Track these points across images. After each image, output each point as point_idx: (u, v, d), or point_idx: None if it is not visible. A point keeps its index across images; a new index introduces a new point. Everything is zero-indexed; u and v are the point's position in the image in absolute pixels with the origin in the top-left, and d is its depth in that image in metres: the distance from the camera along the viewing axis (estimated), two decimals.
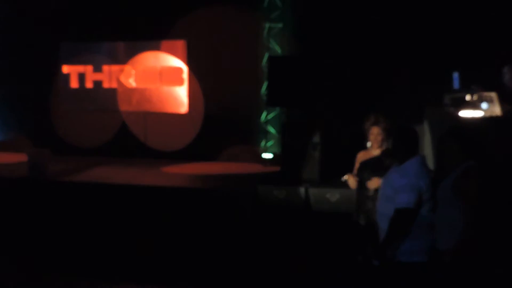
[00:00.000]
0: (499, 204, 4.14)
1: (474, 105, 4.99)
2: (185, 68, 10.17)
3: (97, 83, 10.68)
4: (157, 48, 10.31)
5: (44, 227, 7.43)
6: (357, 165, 4.92)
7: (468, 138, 3.95)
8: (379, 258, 3.91)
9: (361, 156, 4.97)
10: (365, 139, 4.89)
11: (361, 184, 4.67)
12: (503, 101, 5.05)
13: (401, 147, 3.98)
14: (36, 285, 6.07)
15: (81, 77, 10.75)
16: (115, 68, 10.54)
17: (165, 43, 10.25)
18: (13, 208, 7.64)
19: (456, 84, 5.80)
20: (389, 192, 3.93)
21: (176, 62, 10.21)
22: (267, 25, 9.51)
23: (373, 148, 4.79)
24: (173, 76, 10.22)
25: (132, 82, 10.47)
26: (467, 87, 5.26)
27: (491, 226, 3.91)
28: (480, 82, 5.21)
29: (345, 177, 4.78)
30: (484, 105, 4.98)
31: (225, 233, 6.85)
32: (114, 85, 10.57)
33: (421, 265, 3.85)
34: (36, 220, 7.47)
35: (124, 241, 7.06)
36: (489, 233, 3.86)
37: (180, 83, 10.20)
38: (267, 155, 9.47)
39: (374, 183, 4.46)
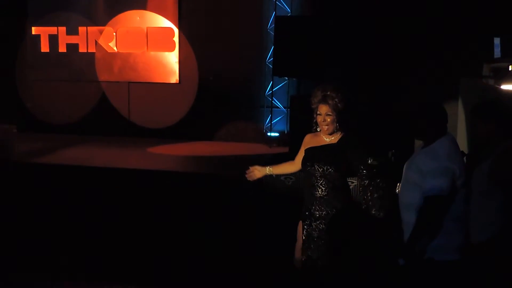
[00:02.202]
0: None
1: None
2: (176, 30, 10.16)
3: (72, 47, 10.68)
4: (143, 6, 10.29)
5: (9, 215, 7.51)
6: (302, 150, 4.53)
7: (510, 114, 3.95)
8: (406, 256, 3.93)
9: (308, 140, 4.51)
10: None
11: (307, 180, 4.41)
12: None
13: (427, 125, 3.99)
14: None
15: (53, 40, 10.75)
16: (93, 29, 10.54)
17: (152, 0, 10.22)
18: None
19: (497, 52, 5.78)
20: (415, 178, 3.93)
21: (165, 23, 10.19)
22: None
23: (323, 133, 4.36)
24: (162, 39, 10.22)
25: (113, 47, 10.47)
26: (510, 55, 5.25)
27: None
28: None
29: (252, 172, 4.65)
30: None
31: (223, 225, 6.93)
32: (92, 49, 10.58)
33: (454, 264, 3.88)
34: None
35: (106, 234, 7.16)
36: None
37: (170, 48, 10.20)
38: (273, 134, 9.51)
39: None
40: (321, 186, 4.33)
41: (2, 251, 6.84)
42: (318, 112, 4.28)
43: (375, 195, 4.25)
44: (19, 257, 6.59)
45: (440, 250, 3.87)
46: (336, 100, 4.21)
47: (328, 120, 4.24)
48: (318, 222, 4.35)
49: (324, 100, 4.23)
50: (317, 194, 4.35)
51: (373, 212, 4.25)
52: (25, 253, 6.66)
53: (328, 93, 4.22)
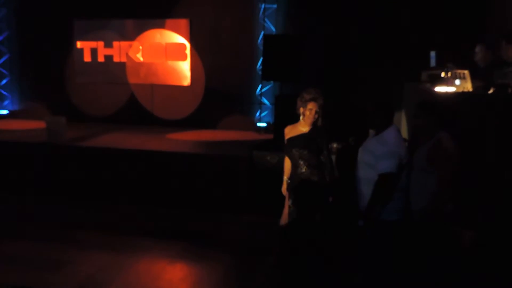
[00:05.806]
0: (466, 170, 4.15)
1: (448, 82, 4.94)
2: (187, 44, 10.05)
3: (108, 58, 10.55)
4: (162, 26, 10.16)
5: (62, 185, 7.48)
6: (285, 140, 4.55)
7: (442, 111, 3.94)
8: (365, 218, 3.93)
9: (288, 131, 4.52)
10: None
11: (292, 162, 4.45)
12: (474, 78, 5.01)
13: (379, 118, 3.97)
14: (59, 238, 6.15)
15: (94, 52, 10.61)
16: (124, 44, 10.40)
17: (170, 22, 10.10)
18: (34, 169, 7.67)
19: (433, 62, 5.76)
20: (369, 159, 3.93)
21: (179, 39, 10.08)
22: (262, 6, 9.38)
23: (304, 124, 4.39)
24: (177, 51, 10.11)
25: (140, 57, 10.36)
26: (442, 65, 5.21)
27: (459, 191, 3.93)
28: (454, 61, 5.17)
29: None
30: (457, 82, 4.94)
31: (222, 193, 6.91)
32: (123, 59, 10.45)
33: (398, 223, 3.90)
34: (53, 179, 7.51)
35: (132, 198, 7.15)
36: (457, 197, 3.88)
37: (184, 58, 10.10)
38: (262, 124, 9.47)
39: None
40: (300, 165, 4.36)
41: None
42: (309, 108, 4.32)
43: (329, 167, 4.39)
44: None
45: (389, 213, 3.89)
46: (321, 101, 4.32)
47: (316, 116, 4.33)
48: (299, 192, 4.37)
49: (314, 99, 4.31)
50: (298, 171, 4.38)
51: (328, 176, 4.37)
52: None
53: (318, 95, 4.32)
